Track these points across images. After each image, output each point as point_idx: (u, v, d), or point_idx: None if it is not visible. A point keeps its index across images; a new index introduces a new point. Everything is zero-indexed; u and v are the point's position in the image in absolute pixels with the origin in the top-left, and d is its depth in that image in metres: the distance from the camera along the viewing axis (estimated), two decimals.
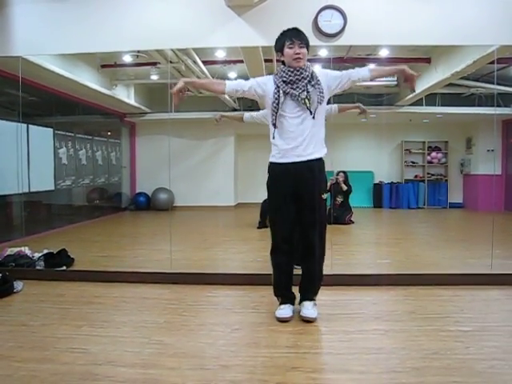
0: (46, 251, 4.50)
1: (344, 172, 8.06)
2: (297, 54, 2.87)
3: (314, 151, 2.94)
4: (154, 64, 6.70)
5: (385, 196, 10.42)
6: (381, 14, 3.94)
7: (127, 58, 6.56)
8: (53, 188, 7.08)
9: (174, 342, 2.65)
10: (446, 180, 10.64)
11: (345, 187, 7.93)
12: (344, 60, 6.75)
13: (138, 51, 5.75)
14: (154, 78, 7.60)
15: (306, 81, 2.89)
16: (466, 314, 3.11)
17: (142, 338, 2.71)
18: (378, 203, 10.45)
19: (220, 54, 6.43)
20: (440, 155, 10.66)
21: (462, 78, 6.82)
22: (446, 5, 3.91)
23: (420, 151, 10.72)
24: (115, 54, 6.43)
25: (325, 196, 3.05)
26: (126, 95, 8.39)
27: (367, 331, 2.80)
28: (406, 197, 10.41)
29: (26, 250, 4.52)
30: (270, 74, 3.09)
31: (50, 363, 2.34)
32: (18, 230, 5.43)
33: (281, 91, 2.89)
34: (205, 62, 6.54)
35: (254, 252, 5.26)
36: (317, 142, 2.96)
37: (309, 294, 3.04)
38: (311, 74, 2.92)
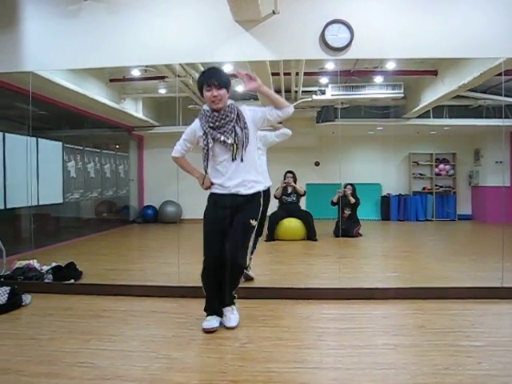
0: (54, 264, 4.52)
1: (352, 184, 8.04)
2: (214, 96, 2.88)
3: (250, 187, 3.02)
4: (161, 78, 6.75)
5: (393, 208, 10.36)
6: (388, 28, 3.96)
7: (135, 72, 6.62)
8: (61, 201, 7.11)
9: (182, 356, 2.63)
10: (455, 192, 10.57)
11: (353, 200, 7.91)
12: (351, 73, 6.78)
13: (146, 66, 5.81)
14: (162, 91, 7.65)
15: (232, 123, 2.92)
16: (477, 328, 3.08)
17: (150, 352, 2.70)
18: (385, 216, 10.39)
19: (227, 68, 6.46)
20: (448, 167, 10.61)
21: (469, 90, 6.80)
22: (452, 18, 3.92)
23: (428, 163, 10.67)
24: (124, 69, 6.49)
25: (254, 223, 3.09)
26: (135, 109, 8.45)
27: (376, 346, 2.77)
28: (414, 209, 10.34)
29: (35, 263, 4.53)
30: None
31: (58, 378, 2.34)
32: (26, 242, 5.44)
33: (209, 137, 2.93)
34: None
35: (262, 265, 5.23)
36: (250, 180, 3.01)
37: (228, 301, 3.14)
38: (237, 115, 2.95)
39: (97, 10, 4.19)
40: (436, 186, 10.56)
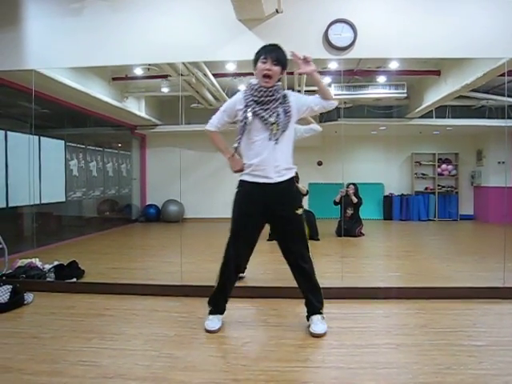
0: (56, 263, 4.52)
1: (354, 184, 8.04)
2: (267, 69, 2.81)
3: (283, 174, 2.92)
4: (164, 77, 6.75)
5: (395, 208, 10.36)
6: (391, 27, 3.96)
7: (138, 71, 6.62)
8: (64, 200, 7.13)
9: (185, 355, 2.64)
10: (457, 192, 10.57)
11: (355, 199, 7.90)
12: (354, 73, 6.77)
13: (149, 64, 5.81)
14: (165, 90, 7.65)
15: (277, 103, 2.85)
16: (478, 328, 3.07)
17: (152, 351, 2.70)
18: (388, 215, 10.38)
19: (230, 67, 6.47)
20: (450, 167, 10.60)
21: (472, 90, 6.80)
22: (456, 18, 3.92)
23: (430, 163, 10.67)
24: (126, 67, 6.50)
25: (300, 211, 3.00)
26: (137, 107, 8.45)
27: (378, 345, 2.77)
28: (417, 209, 10.34)
29: (37, 262, 4.54)
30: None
31: (60, 376, 2.34)
32: (28, 241, 5.45)
33: (249, 111, 2.84)
34: (215, 75, 6.59)
35: (264, 264, 5.23)
36: (283, 167, 2.92)
37: (314, 307, 3.02)
38: (283, 97, 2.89)
39: (100, 9, 4.20)
40: (438, 185, 10.56)
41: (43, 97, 5.82)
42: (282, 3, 3.94)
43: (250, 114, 2.83)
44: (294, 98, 2.95)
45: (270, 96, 2.84)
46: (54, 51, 4.30)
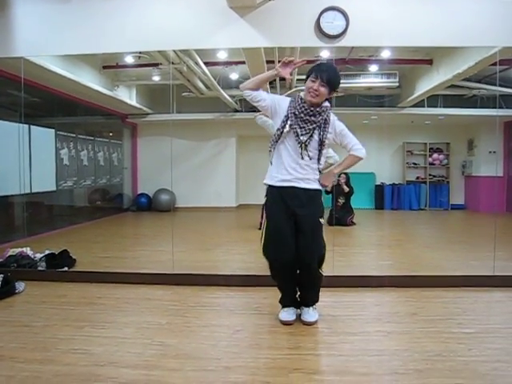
0: (47, 252, 4.51)
1: (346, 173, 8.03)
2: (314, 89, 2.78)
3: (306, 182, 2.90)
4: (155, 65, 6.71)
5: (386, 197, 10.41)
6: (383, 16, 3.94)
7: (129, 59, 6.57)
8: (54, 189, 7.08)
9: (176, 343, 2.64)
10: (448, 181, 10.63)
11: (346, 189, 7.92)
12: (346, 62, 6.76)
13: (140, 52, 5.76)
14: (156, 79, 7.60)
15: (315, 125, 2.83)
16: (468, 315, 3.11)
17: (144, 339, 2.71)
18: (379, 205, 10.44)
19: (222, 55, 6.43)
20: (442, 157, 10.65)
21: (464, 80, 6.82)
22: (448, 6, 3.90)
23: (422, 153, 10.71)
24: (117, 55, 6.45)
25: (322, 220, 2.99)
26: (128, 96, 8.40)
27: (369, 333, 2.80)
28: (408, 198, 10.40)
29: (28, 251, 4.52)
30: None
31: (52, 364, 2.34)
32: (19, 230, 5.42)
33: (288, 122, 2.84)
34: (206, 63, 6.54)
35: (255, 253, 5.22)
36: (309, 178, 2.90)
37: (308, 302, 3.03)
38: (324, 120, 2.85)
39: None
40: (430, 175, 10.62)
41: (33, 85, 5.76)
42: None
43: (286, 129, 2.84)
44: (333, 128, 2.90)
45: (310, 116, 2.82)
46: (43, 38, 4.23)
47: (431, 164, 10.65)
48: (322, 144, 2.85)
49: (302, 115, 2.82)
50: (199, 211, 9.74)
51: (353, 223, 7.83)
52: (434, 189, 10.56)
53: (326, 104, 2.88)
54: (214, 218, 9.32)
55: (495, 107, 6.01)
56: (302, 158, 2.85)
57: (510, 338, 2.69)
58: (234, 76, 7.83)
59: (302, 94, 2.90)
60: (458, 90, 7.90)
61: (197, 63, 6.38)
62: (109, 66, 7.04)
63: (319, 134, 2.84)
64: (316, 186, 2.93)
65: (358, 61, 6.94)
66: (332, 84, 2.82)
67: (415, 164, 10.72)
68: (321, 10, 3.89)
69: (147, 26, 4.09)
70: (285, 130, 2.85)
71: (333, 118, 2.91)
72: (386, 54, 6.41)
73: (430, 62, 6.70)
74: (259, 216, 7.24)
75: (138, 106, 8.69)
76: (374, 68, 7.26)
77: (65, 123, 7.60)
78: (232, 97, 8.56)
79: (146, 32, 4.10)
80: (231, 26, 4.00)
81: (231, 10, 3.96)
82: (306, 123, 2.83)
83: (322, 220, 2.97)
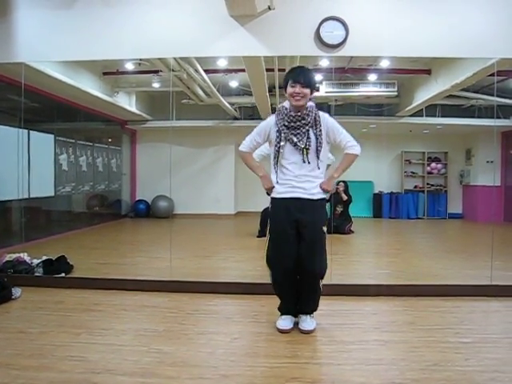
0: (44, 258, 4.49)
1: (344, 182, 8.07)
2: (296, 93, 2.85)
3: (314, 192, 2.94)
4: (155, 72, 6.72)
5: (384, 206, 10.42)
6: (382, 26, 3.96)
7: (129, 66, 6.58)
8: (53, 194, 7.07)
9: (174, 350, 2.64)
10: (446, 191, 10.64)
11: (345, 197, 7.93)
12: (345, 71, 6.79)
13: (140, 59, 5.78)
14: (156, 85, 7.63)
15: (307, 127, 2.88)
16: (465, 325, 3.11)
17: (141, 346, 2.70)
18: (377, 213, 10.44)
19: (222, 63, 6.45)
20: (440, 166, 10.67)
21: (462, 90, 6.84)
22: (447, 18, 3.93)
23: (420, 162, 10.73)
24: (117, 62, 6.46)
25: (325, 228, 3.01)
26: (128, 102, 8.41)
27: (367, 342, 2.79)
28: (406, 207, 10.41)
29: (25, 257, 4.51)
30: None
31: (48, 371, 2.33)
32: (17, 235, 5.41)
33: (282, 135, 2.89)
34: (206, 71, 6.57)
35: (253, 261, 5.24)
36: (314, 186, 2.94)
37: (306, 309, 3.03)
38: (314, 119, 2.90)
39: (92, 2, 4.15)
40: (427, 184, 10.63)
41: (33, 90, 5.77)
42: (274, 0, 3.94)
43: (282, 143, 2.90)
44: (325, 124, 2.95)
45: (300, 121, 2.88)
46: (44, 44, 4.25)
47: (429, 173, 10.67)
48: (319, 141, 2.88)
49: (293, 124, 2.89)
50: (198, 218, 9.73)
51: (351, 231, 7.84)
52: (431, 198, 10.57)
53: (311, 104, 2.96)
54: (213, 225, 9.31)
55: (493, 117, 6.05)
56: (306, 162, 2.89)
57: (507, 347, 2.69)
58: (233, 84, 7.86)
59: (284, 103, 2.98)
60: (456, 100, 7.92)
61: (197, 70, 6.41)
62: (109, 72, 7.06)
63: (314, 132, 2.89)
64: (320, 195, 2.97)
65: (357, 70, 6.97)
66: (312, 83, 2.93)
67: (413, 173, 10.74)
68: (321, 19, 3.92)
69: (148, 33, 4.11)
70: (281, 144, 2.90)
71: (322, 114, 2.98)
72: (385, 64, 6.45)
73: (428, 71, 6.73)
74: (257, 224, 7.29)
75: (137, 112, 8.70)
76: (372, 77, 7.29)
77: (64, 129, 7.61)
78: (231, 104, 8.59)
79: (146, 39, 4.11)
80: (232, 35, 4.02)
81: (232, 18, 3.98)
82: (298, 129, 2.88)
83: (324, 228, 2.99)
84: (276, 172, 2.98)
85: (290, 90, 2.89)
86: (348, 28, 3.91)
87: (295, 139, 2.87)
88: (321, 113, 2.97)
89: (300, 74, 2.90)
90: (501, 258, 4.84)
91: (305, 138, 2.87)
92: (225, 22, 3.99)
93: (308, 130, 2.88)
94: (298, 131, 2.88)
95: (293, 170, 2.91)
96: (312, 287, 2.98)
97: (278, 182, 2.97)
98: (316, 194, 2.94)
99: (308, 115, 2.89)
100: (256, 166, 3.13)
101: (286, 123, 2.89)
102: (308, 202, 2.91)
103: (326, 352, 2.66)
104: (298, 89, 2.85)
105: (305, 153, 2.87)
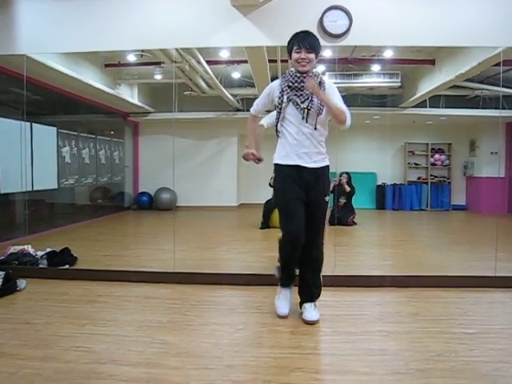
0: (48, 250, 4.50)
1: (347, 173, 8.04)
2: (302, 59, 2.82)
3: (317, 160, 2.92)
4: (157, 64, 6.70)
5: (388, 197, 10.40)
6: (386, 15, 3.92)
7: (131, 58, 6.57)
8: (56, 187, 7.08)
9: (178, 341, 2.64)
10: (449, 182, 10.62)
11: (348, 188, 7.91)
12: (348, 61, 6.75)
13: (142, 51, 5.76)
14: (158, 77, 7.60)
15: (311, 90, 2.84)
16: (470, 316, 3.10)
17: (145, 337, 2.70)
18: (380, 205, 10.43)
19: (224, 54, 6.43)
20: (443, 157, 10.64)
21: (466, 80, 6.81)
22: (451, 6, 3.89)
23: (423, 153, 10.71)
24: (119, 54, 6.44)
25: (327, 198, 3.03)
26: (130, 94, 8.40)
27: (371, 332, 2.79)
28: (409, 198, 10.40)
29: (29, 249, 4.52)
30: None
31: (53, 361, 2.34)
32: (21, 228, 5.43)
33: (285, 96, 2.87)
34: (209, 62, 6.54)
35: (256, 252, 5.25)
36: (317, 152, 2.91)
37: (312, 295, 3.03)
38: (319, 83, 2.87)
39: None
40: (431, 175, 10.61)
41: (35, 83, 5.76)
42: None
43: (284, 100, 2.87)
44: (328, 88, 2.92)
45: (305, 82, 2.84)
46: (46, 36, 4.23)
47: (433, 164, 10.64)
48: (321, 105, 2.84)
49: (297, 84, 2.86)
50: (201, 210, 9.74)
51: (354, 223, 7.83)
52: (435, 189, 10.55)
53: (316, 70, 2.93)
54: (216, 217, 9.32)
55: (497, 108, 6.00)
56: (307, 122, 2.85)
57: (511, 338, 2.69)
58: (236, 75, 7.83)
59: (291, 69, 2.94)
60: (461, 91, 7.88)
61: (199, 62, 6.38)
62: (111, 64, 7.04)
63: (317, 96, 2.84)
64: (323, 163, 2.94)
65: (360, 60, 6.93)
66: (316, 48, 2.89)
67: (417, 164, 10.71)
68: (324, 8, 3.88)
69: (150, 24, 4.08)
70: (283, 105, 2.87)
71: (328, 81, 2.96)
72: (388, 54, 6.41)
73: (432, 62, 6.69)
74: (260, 215, 7.29)
75: (139, 104, 8.69)
76: (376, 68, 7.25)
77: (67, 121, 7.60)
78: (234, 96, 8.56)
79: (148, 30, 4.09)
80: (234, 25, 3.99)
81: (234, 8, 3.95)
82: (302, 90, 2.85)
83: (326, 198, 3.00)
84: (277, 133, 2.97)
85: (295, 55, 2.85)
86: (351, 17, 3.87)
87: (298, 100, 2.84)
88: (326, 78, 2.95)
89: (305, 39, 2.85)
90: (505, 250, 4.82)
91: (308, 100, 2.84)
92: (227, 12, 3.96)
93: (312, 93, 2.83)
94: (301, 92, 2.85)
95: (295, 133, 2.88)
96: (315, 257, 3.00)
97: (279, 142, 2.97)
98: (316, 161, 2.91)
99: (313, 79, 2.85)
100: (250, 134, 3.12)
101: (290, 84, 2.86)
102: (311, 171, 2.89)
103: (330, 342, 2.66)
104: (303, 54, 2.82)
105: (305, 113, 2.83)
